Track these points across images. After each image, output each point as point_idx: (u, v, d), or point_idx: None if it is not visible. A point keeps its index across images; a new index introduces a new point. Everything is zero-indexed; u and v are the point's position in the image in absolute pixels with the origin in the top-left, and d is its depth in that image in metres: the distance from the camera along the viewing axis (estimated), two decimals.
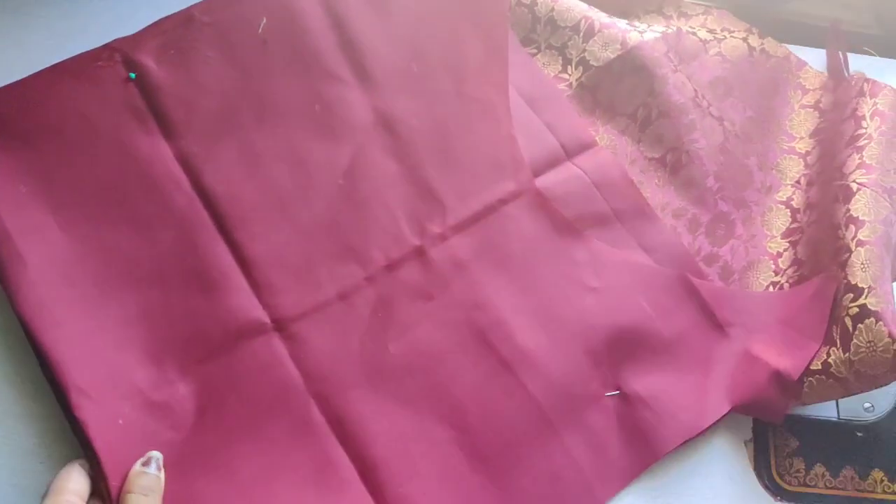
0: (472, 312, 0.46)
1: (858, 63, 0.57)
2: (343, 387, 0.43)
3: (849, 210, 0.46)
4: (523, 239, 0.48)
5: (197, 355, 0.43)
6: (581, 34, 0.53)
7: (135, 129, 0.46)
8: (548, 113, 0.52)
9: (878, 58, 0.58)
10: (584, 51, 0.53)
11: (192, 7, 0.48)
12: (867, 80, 0.52)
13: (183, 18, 0.48)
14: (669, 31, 0.53)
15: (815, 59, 0.57)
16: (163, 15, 0.48)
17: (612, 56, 0.52)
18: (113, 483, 0.39)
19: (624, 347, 0.46)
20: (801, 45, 0.57)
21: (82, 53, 0.46)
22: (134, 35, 0.47)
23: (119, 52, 0.47)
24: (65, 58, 0.46)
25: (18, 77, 0.46)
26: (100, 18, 0.49)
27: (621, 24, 0.53)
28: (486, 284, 0.47)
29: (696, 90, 0.52)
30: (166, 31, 0.47)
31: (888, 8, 0.58)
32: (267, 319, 0.44)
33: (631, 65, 0.52)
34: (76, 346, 0.42)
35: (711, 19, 0.57)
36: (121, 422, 0.41)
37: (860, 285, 0.43)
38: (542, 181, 0.50)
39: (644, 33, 0.53)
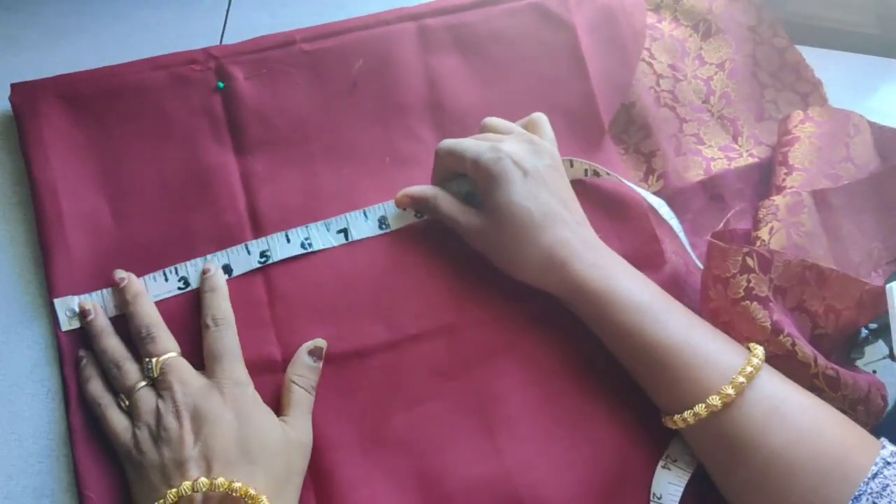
0: (488, 404, 0.44)
1: (859, 63, 0.56)
2: (335, 444, 0.42)
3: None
4: (560, 342, 0.45)
5: None
6: (669, 150, 0.51)
7: (208, 137, 0.46)
8: (625, 221, 0.49)
9: (878, 58, 0.56)
10: (667, 166, 0.51)
11: (295, 31, 0.48)
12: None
13: (283, 40, 0.48)
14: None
15: (815, 59, 0.55)
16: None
17: (695, 180, 0.50)
18: (88, 493, 0.39)
19: (629, 487, 0.43)
20: (801, 45, 0.55)
21: (179, 52, 0.47)
22: (232, 45, 0.48)
23: (214, 60, 0.47)
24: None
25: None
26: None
27: (710, 151, 0.51)
28: (510, 380, 0.45)
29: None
30: (264, 48, 0.48)
31: (888, 8, 0.57)
32: (279, 357, 0.43)
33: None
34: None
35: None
36: None
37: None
38: None
39: (735, 161, 0.51)
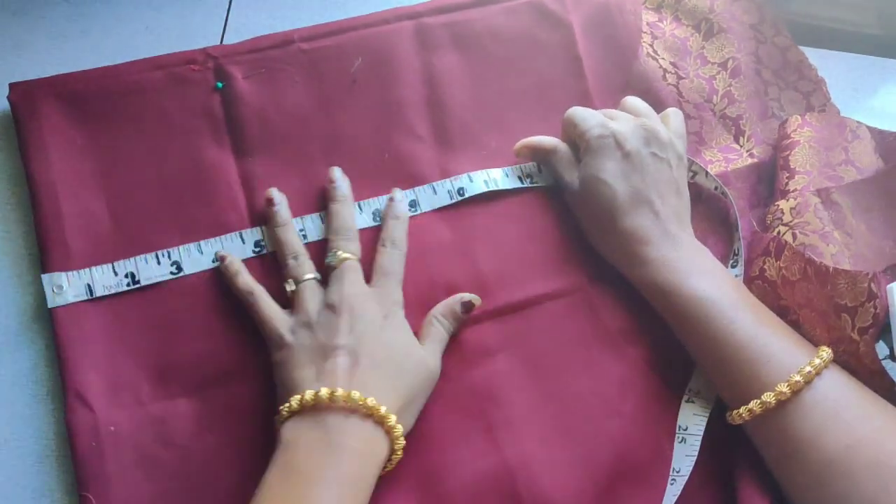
0: (486, 405, 0.44)
1: (860, 63, 0.56)
2: None
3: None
4: (560, 341, 0.46)
5: (205, 377, 0.43)
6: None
7: (208, 137, 0.46)
8: None
9: (878, 58, 0.56)
10: None
11: (293, 31, 0.48)
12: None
13: (282, 40, 0.48)
14: None
15: (816, 59, 0.55)
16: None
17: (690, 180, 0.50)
18: (87, 494, 0.39)
19: (627, 485, 0.44)
20: (801, 45, 0.55)
21: (177, 52, 0.47)
22: (231, 45, 0.48)
23: (213, 60, 0.47)
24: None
25: None
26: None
27: (709, 153, 0.51)
28: (509, 380, 0.45)
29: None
30: (263, 48, 0.48)
31: (889, 8, 0.57)
32: None
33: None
34: (91, 347, 0.42)
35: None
36: (112, 429, 0.41)
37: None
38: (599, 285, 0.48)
39: (733, 163, 0.50)
